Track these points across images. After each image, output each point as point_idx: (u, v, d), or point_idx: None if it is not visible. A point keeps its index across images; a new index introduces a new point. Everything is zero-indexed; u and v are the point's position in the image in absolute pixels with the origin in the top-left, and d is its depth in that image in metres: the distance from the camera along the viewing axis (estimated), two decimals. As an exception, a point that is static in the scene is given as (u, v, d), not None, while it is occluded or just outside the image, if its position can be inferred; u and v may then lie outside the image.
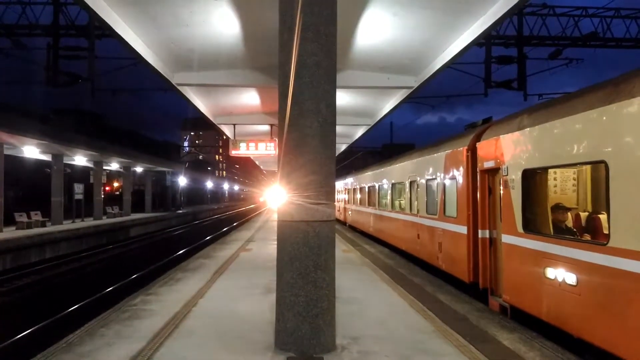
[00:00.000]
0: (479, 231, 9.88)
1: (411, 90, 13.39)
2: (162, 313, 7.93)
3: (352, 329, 6.97)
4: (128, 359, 5.78)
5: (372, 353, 6.00)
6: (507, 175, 8.44)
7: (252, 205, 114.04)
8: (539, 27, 20.74)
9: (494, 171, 9.32)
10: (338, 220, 33.31)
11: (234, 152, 19.40)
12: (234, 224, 42.26)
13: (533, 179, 7.83)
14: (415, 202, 14.66)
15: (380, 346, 6.24)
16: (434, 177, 12.95)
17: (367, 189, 24.15)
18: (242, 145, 19.04)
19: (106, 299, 13.61)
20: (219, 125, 20.25)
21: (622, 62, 24.05)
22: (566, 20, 21.03)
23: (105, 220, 33.91)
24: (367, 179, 24.13)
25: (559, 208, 7.68)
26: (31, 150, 27.17)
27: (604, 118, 5.98)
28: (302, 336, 5.90)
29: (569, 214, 7.70)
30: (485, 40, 19.21)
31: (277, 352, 5.97)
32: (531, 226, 7.72)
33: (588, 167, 7.93)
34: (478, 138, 10.11)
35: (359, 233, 25.74)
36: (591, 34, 20.76)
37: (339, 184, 35.00)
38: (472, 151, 10.34)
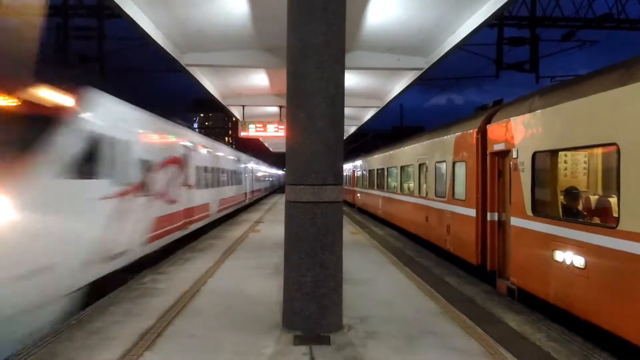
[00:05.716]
0: (488, 214, 9.86)
1: (421, 71, 13.27)
2: (172, 292, 8.03)
3: (359, 309, 7.02)
4: (137, 336, 5.87)
5: (378, 333, 6.05)
6: (517, 157, 8.37)
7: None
8: (552, 8, 20.32)
9: (504, 154, 9.25)
10: (347, 203, 33.34)
11: (243, 134, 19.39)
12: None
13: (543, 162, 7.76)
14: (424, 185, 14.62)
15: (387, 326, 6.29)
16: (443, 159, 12.88)
17: (375, 172, 24.11)
18: (251, 127, 19.03)
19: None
20: (228, 107, 20.26)
21: (636, 44, 23.62)
22: (580, 1, 20.57)
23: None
24: (376, 161, 24.07)
25: (568, 191, 7.63)
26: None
27: (617, 100, 5.90)
28: (309, 316, 5.96)
29: (578, 197, 7.65)
30: (497, 21, 18.91)
31: (284, 331, 6.04)
32: (540, 209, 7.69)
33: (599, 149, 7.84)
34: (488, 120, 10.02)
35: (367, 215, 25.77)
36: (605, 15, 20.31)
37: (348, 166, 34.95)
38: (482, 134, 10.26)
